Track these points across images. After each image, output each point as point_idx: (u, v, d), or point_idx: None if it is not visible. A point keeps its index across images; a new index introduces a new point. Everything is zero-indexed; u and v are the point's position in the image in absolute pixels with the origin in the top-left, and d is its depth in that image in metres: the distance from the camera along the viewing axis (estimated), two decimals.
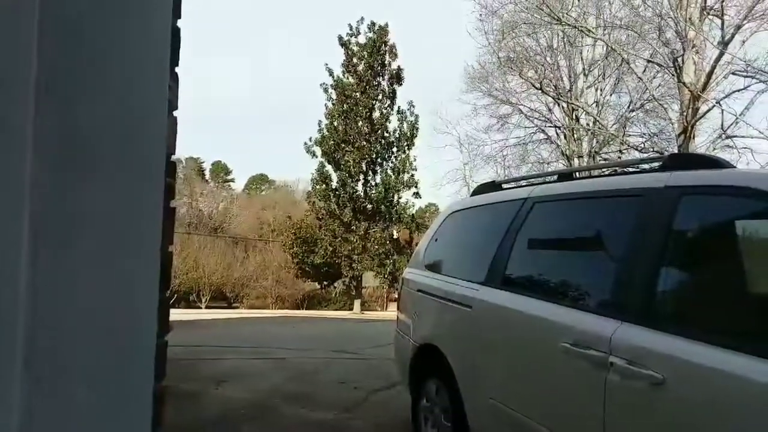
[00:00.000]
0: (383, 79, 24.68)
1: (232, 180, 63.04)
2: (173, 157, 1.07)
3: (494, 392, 3.11)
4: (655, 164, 2.86)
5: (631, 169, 3.29)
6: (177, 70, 1.08)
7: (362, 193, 24.62)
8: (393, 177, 24.30)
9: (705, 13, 13.38)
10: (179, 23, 1.08)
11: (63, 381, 0.90)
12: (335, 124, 24.15)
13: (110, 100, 0.95)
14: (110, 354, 0.94)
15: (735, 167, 2.56)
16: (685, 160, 2.82)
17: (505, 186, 4.10)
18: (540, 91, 19.21)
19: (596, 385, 2.30)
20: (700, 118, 13.31)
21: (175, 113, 1.07)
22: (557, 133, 20.84)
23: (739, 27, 12.88)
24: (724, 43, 12.97)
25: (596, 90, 20.12)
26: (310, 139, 24.33)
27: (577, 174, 3.63)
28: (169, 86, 1.03)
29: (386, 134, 24.59)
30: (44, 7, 0.89)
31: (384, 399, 5.76)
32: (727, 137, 13.56)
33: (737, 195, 2.19)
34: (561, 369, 2.58)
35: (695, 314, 2.24)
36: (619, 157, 17.90)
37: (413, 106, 24.57)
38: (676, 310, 2.33)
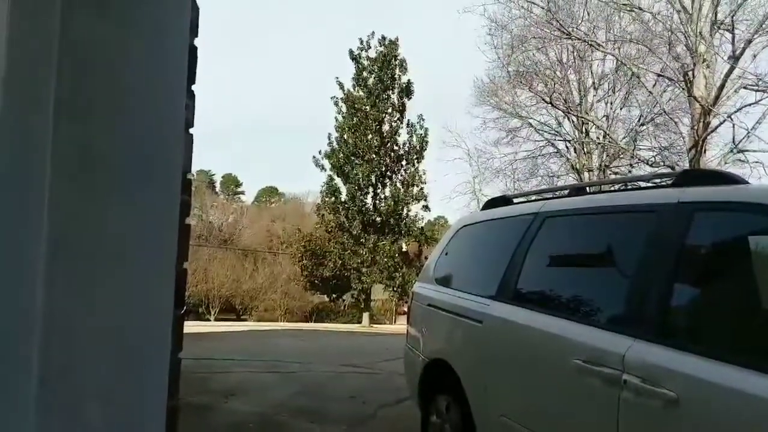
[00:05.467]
0: (393, 93, 24.79)
1: (242, 192, 63.34)
2: (189, 175, 1.08)
3: (505, 409, 3.08)
4: (668, 180, 2.85)
5: (643, 185, 3.27)
6: (193, 87, 1.09)
7: (371, 206, 24.64)
8: (402, 190, 24.33)
9: (715, 27, 13.36)
10: (196, 41, 1.09)
11: (78, 398, 0.90)
12: (345, 137, 24.25)
13: (127, 118, 0.96)
14: (125, 371, 0.94)
15: (748, 183, 2.55)
16: (698, 175, 2.81)
17: (515, 200, 4.09)
18: (550, 105, 19.17)
19: (609, 403, 2.27)
20: (711, 132, 13.24)
21: (191, 131, 1.08)
22: (567, 147, 20.76)
23: (749, 41, 12.84)
24: (735, 58, 12.93)
25: (606, 104, 20.06)
26: (320, 152, 24.45)
27: (589, 189, 3.61)
28: (186, 104, 1.04)
29: (396, 147, 24.66)
30: (64, 27, 0.90)
31: (393, 414, 5.72)
32: (739, 151, 13.48)
33: (751, 211, 2.18)
34: (573, 386, 2.55)
35: (709, 332, 2.22)
36: (629, 171, 17.83)
37: (423, 120, 24.68)
38: (689, 327, 2.31)
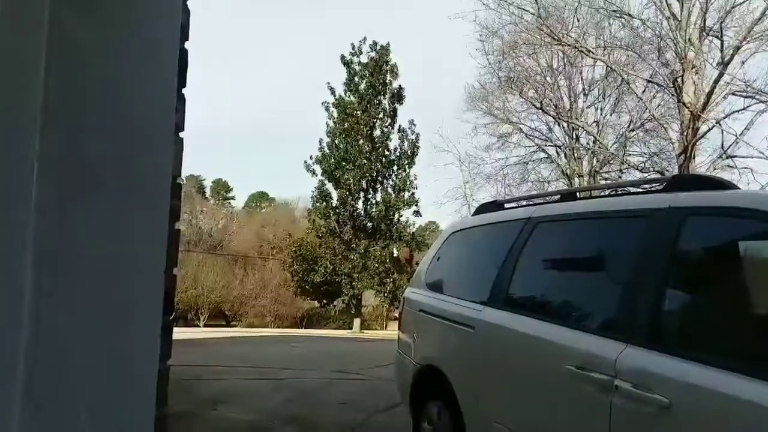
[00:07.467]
0: (384, 98, 24.80)
1: (233, 197, 63.02)
2: (179, 180, 1.06)
3: (497, 415, 3.07)
4: (658, 185, 2.86)
5: (633, 190, 3.28)
6: (184, 91, 1.07)
7: (362, 211, 24.62)
8: (393, 195, 24.32)
9: (704, 34, 13.48)
10: (186, 45, 1.08)
11: (64, 407, 0.88)
12: (336, 142, 24.24)
13: (116, 122, 0.94)
14: (113, 379, 0.92)
15: (739, 188, 2.56)
16: (688, 181, 2.82)
17: (507, 206, 4.09)
18: (540, 111, 19.27)
19: (601, 408, 2.26)
20: (700, 138, 13.35)
21: (181, 135, 1.07)
22: (557, 153, 20.87)
23: (738, 48, 12.96)
24: (724, 64, 13.05)
25: (596, 110, 20.20)
26: (311, 157, 24.41)
27: (579, 194, 3.62)
28: (176, 108, 1.02)
29: (387, 152, 24.66)
30: (52, 30, 0.88)
31: (384, 421, 5.69)
32: (728, 157, 13.59)
33: (743, 216, 2.18)
34: (565, 392, 2.55)
35: (701, 337, 2.22)
36: (619, 177, 17.93)
37: (414, 125, 24.71)
38: (681, 332, 2.31)
